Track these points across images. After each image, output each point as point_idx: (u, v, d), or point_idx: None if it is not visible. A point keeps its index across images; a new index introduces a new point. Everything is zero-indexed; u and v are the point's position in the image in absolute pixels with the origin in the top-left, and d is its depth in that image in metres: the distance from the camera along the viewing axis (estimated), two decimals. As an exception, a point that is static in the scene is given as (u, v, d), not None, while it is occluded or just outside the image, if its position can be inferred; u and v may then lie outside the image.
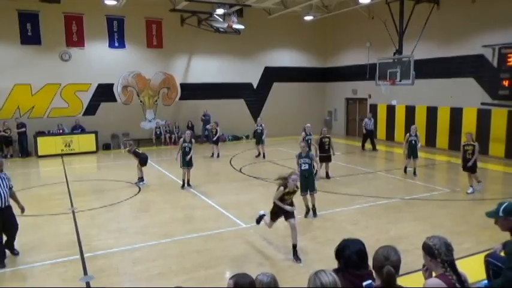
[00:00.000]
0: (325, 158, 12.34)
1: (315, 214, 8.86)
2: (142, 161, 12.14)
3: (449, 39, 17.47)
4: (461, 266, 3.14)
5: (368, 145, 18.39)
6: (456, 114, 17.33)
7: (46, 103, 18.63)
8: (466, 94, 16.87)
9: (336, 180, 12.45)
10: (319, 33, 24.37)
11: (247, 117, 23.17)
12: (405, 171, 12.96)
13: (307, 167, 8.77)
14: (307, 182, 8.73)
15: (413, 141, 12.49)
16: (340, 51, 23.96)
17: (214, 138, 17.03)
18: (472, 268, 4.73)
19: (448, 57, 17.54)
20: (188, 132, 11.91)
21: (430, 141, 18.44)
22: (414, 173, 12.73)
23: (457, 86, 17.27)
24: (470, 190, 10.69)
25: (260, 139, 16.68)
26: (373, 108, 21.82)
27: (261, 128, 16.64)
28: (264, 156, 16.52)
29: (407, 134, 12.78)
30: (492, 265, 4.41)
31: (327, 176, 12.52)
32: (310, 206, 8.88)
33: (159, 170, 14.66)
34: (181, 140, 11.59)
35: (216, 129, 17.00)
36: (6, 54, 17.68)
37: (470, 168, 10.67)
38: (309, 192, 8.79)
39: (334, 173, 13.26)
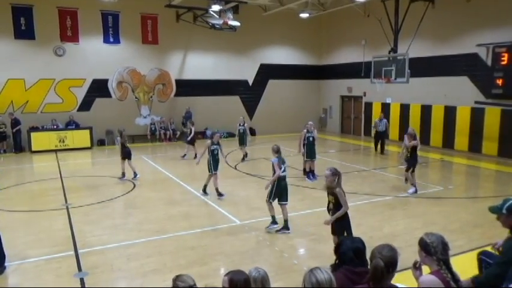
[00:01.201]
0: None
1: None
2: (126, 154, 12.21)
3: (444, 38, 17.56)
4: (454, 263, 3.18)
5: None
6: (450, 113, 17.45)
7: (40, 98, 18.51)
8: (460, 93, 16.98)
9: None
10: (315, 31, 24.39)
11: (243, 114, 23.08)
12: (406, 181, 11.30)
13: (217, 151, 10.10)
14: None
15: (310, 138, 12.00)
16: (336, 49, 23.99)
17: (189, 138, 15.75)
18: (464, 265, 4.78)
19: (442, 56, 17.63)
20: (217, 134, 10.77)
21: (424, 139, 18.49)
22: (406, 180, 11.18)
23: (451, 85, 17.37)
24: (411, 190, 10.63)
25: (243, 140, 15.54)
26: (368, 106, 21.90)
27: (243, 127, 15.52)
28: (245, 157, 15.37)
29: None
30: (485, 263, 4.46)
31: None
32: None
33: (154, 167, 14.63)
34: (208, 142, 10.34)
35: (191, 129, 15.65)
36: (-1, 49, 17.53)
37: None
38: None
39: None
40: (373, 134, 17.58)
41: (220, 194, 10.17)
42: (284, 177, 7.66)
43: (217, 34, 20.82)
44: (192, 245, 7.12)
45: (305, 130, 12.32)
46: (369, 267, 3.07)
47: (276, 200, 7.64)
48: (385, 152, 16.96)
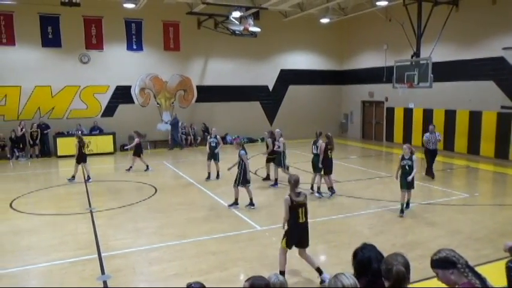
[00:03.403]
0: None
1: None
2: (140, 150, 14.21)
3: (469, 42, 17.20)
4: (481, 272, 3.08)
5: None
6: (475, 118, 17.03)
7: (66, 104, 19.02)
8: (486, 97, 16.57)
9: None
10: (336, 36, 24.27)
11: (263, 119, 23.21)
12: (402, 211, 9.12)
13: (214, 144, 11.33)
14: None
15: (406, 167, 9.03)
16: (357, 54, 23.81)
17: (128, 148, 15.11)
18: (492, 275, 4.64)
19: (467, 60, 17.26)
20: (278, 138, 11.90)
21: (448, 145, 18.15)
22: (407, 205, 9.32)
23: (476, 89, 16.97)
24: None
25: (213, 154, 12.97)
26: (390, 111, 21.60)
27: (215, 140, 13.08)
28: (217, 177, 13.04)
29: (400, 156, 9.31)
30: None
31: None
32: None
33: (175, 172, 14.78)
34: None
35: (135, 140, 14.56)
36: (28, 57, 18.12)
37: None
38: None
39: (350, 176, 13.19)
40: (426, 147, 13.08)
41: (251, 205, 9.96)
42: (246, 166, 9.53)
43: (238, 40, 20.98)
44: (213, 250, 7.15)
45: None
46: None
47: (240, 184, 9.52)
48: (434, 174, 12.93)
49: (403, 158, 9.06)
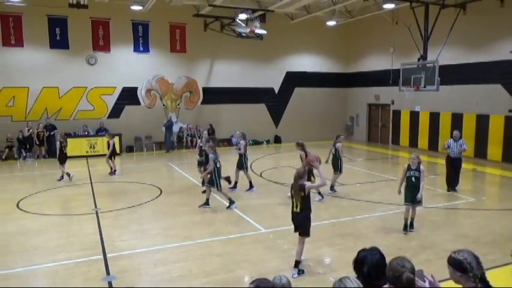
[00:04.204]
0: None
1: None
2: (114, 153, 14.07)
3: (476, 45, 17.10)
4: (488, 278, 3.05)
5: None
6: (482, 122, 16.91)
7: (73, 105, 19.15)
8: (493, 101, 16.45)
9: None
10: (342, 38, 24.24)
11: (269, 122, 23.22)
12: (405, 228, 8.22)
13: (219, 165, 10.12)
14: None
15: (413, 178, 8.02)
16: (363, 57, 23.75)
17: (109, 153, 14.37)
18: (499, 280, 4.60)
19: (474, 63, 17.15)
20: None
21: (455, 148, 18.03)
22: (411, 225, 8.24)
23: (483, 93, 16.86)
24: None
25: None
26: (396, 114, 21.52)
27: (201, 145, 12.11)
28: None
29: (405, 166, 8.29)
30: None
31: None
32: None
33: (181, 173, 14.82)
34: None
35: (109, 143, 14.40)
36: (36, 58, 18.28)
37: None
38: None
39: (356, 179, 13.14)
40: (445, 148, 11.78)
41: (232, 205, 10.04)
42: (219, 169, 9.90)
43: (244, 42, 21.02)
44: (218, 252, 7.15)
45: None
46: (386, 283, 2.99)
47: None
48: (457, 188, 11.58)
49: (409, 168, 8.08)
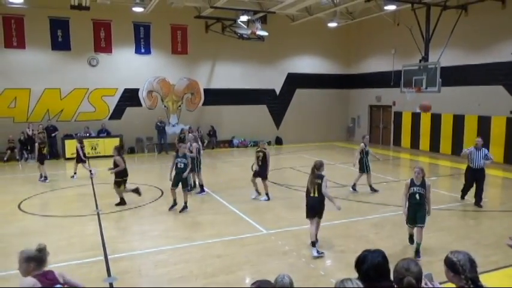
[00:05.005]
0: (257, 173, 10.97)
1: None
2: (80, 157, 14.02)
3: (478, 46, 17.08)
4: (490, 279, 3.06)
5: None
6: (484, 123, 16.88)
7: (74, 107, 19.18)
8: (495, 102, 16.43)
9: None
10: (343, 40, 24.24)
11: (270, 123, 23.22)
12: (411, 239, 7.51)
13: (182, 165, 9.92)
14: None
15: (417, 195, 6.99)
16: (365, 58, 23.75)
17: (82, 157, 14.19)
18: (501, 282, 4.59)
19: (476, 65, 17.13)
20: (183, 146, 10.59)
21: (456, 149, 18.00)
22: (417, 252, 7.00)
23: (485, 94, 16.84)
24: (254, 195, 10.88)
25: (197, 165, 11.63)
26: (398, 115, 21.49)
27: (184, 160, 10.77)
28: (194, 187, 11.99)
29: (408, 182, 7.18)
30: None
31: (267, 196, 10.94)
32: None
33: (182, 174, 14.79)
34: (174, 154, 10.29)
35: (78, 147, 14.21)
36: (37, 60, 18.33)
37: (259, 174, 10.79)
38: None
39: (358, 181, 13.11)
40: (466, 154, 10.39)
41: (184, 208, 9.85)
42: (181, 170, 9.83)
43: (245, 44, 21.03)
44: (219, 253, 7.14)
45: (362, 144, 11.82)
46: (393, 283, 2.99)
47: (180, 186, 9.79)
48: (482, 203, 10.17)
49: (412, 184, 6.99)
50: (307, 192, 7.23)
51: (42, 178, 13.51)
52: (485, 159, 9.94)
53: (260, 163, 10.82)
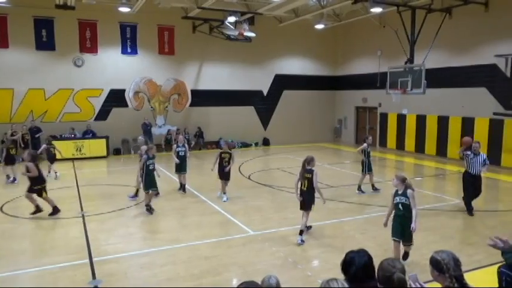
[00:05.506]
0: (223, 176, 11.02)
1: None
2: (51, 158, 14.00)
3: (462, 49, 17.38)
4: (473, 278, 3.11)
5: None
6: (468, 124, 17.17)
7: (59, 108, 18.90)
8: (478, 104, 16.72)
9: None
10: (330, 42, 24.41)
11: (257, 124, 23.24)
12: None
13: (183, 153, 11.53)
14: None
15: (400, 206, 6.36)
16: (351, 60, 23.95)
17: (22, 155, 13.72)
18: (484, 280, 4.66)
19: (460, 67, 17.43)
20: (154, 147, 10.51)
21: (441, 150, 18.29)
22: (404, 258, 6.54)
23: (468, 96, 17.13)
24: (219, 194, 11.08)
25: (182, 165, 11.92)
26: (384, 117, 21.71)
27: (183, 149, 11.95)
28: (183, 189, 12.02)
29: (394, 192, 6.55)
30: (505, 276, 4.32)
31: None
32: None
33: (168, 176, 14.70)
34: (144, 156, 9.95)
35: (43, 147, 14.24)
36: (21, 59, 18.02)
37: (225, 175, 10.91)
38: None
39: (344, 181, 13.22)
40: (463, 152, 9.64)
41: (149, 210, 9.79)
42: (151, 171, 9.80)
43: (232, 45, 21.01)
44: (206, 255, 7.11)
45: (365, 144, 11.79)
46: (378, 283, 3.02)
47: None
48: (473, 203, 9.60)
49: (395, 193, 6.40)
50: (300, 185, 7.80)
51: (11, 179, 13.40)
52: (484, 166, 9.37)
53: (226, 164, 10.89)
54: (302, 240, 7.58)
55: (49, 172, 14.02)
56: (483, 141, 16.38)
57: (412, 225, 6.18)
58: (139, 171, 10.06)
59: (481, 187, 9.59)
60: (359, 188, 11.85)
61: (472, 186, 9.48)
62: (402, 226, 6.29)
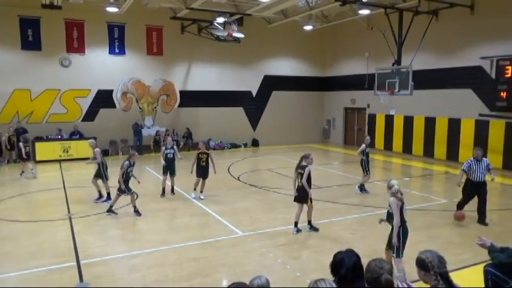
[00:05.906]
0: (200, 173, 11.14)
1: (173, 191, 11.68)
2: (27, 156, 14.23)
3: (448, 51, 17.61)
4: (460, 277, 3.16)
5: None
6: (454, 125, 17.41)
7: (45, 108, 18.64)
8: (464, 105, 16.96)
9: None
10: (319, 43, 24.52)
11: (246, 125, 23.23)
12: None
13: (171, 155, 11.45)
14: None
15: (386, 214, 6.25)
16: (339, 61, 24.10)
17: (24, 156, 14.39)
18: (471, 279, 4.72)
19: (446, 68, 17.66)
20: (136, 154, 10.65)
21: (428, 151, 18.51)
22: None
23: (455, 97, 17.37)
24: (194, 195, 11.26)
25: (170, 167, 11.83)
26: (372, 117, 21.89)
27: (172, 151, 11.78)
28: (172, 191, 11.95)
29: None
30: (491, 274, 4.39)
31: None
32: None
33: (157, 177, 14.61)
34: (126, 163, 9.95)
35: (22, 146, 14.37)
36: (6, 59, 17.72)
37: (202, 173, 11.09)
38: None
39: (333, 182, 13.28)
40: (461, 181, 9.26)
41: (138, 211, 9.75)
42: (130, 177, 9.90)
43: (221, 46, 20.98)
44: (194, 256, 7.08)
45: (364, 145, 11.93)
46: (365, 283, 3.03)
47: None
48: (487, 220, 9.01)
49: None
50: (296, 180, 8.28)
51: None
52: (487, 171, 8.97)
53: (205, 164, 11.03)
54: (297, 231, 8.15)
55: (23, 172, 14.27)
56: (469, 141, 16.70)
57: (394, 239, 5.76)
58: (120, 176, 9.80)
59: (486, 195, 8.98)
60: (362, 188, 11.90)
61: (473, 192, 8.99)
62: (390, 235, 5.99)
